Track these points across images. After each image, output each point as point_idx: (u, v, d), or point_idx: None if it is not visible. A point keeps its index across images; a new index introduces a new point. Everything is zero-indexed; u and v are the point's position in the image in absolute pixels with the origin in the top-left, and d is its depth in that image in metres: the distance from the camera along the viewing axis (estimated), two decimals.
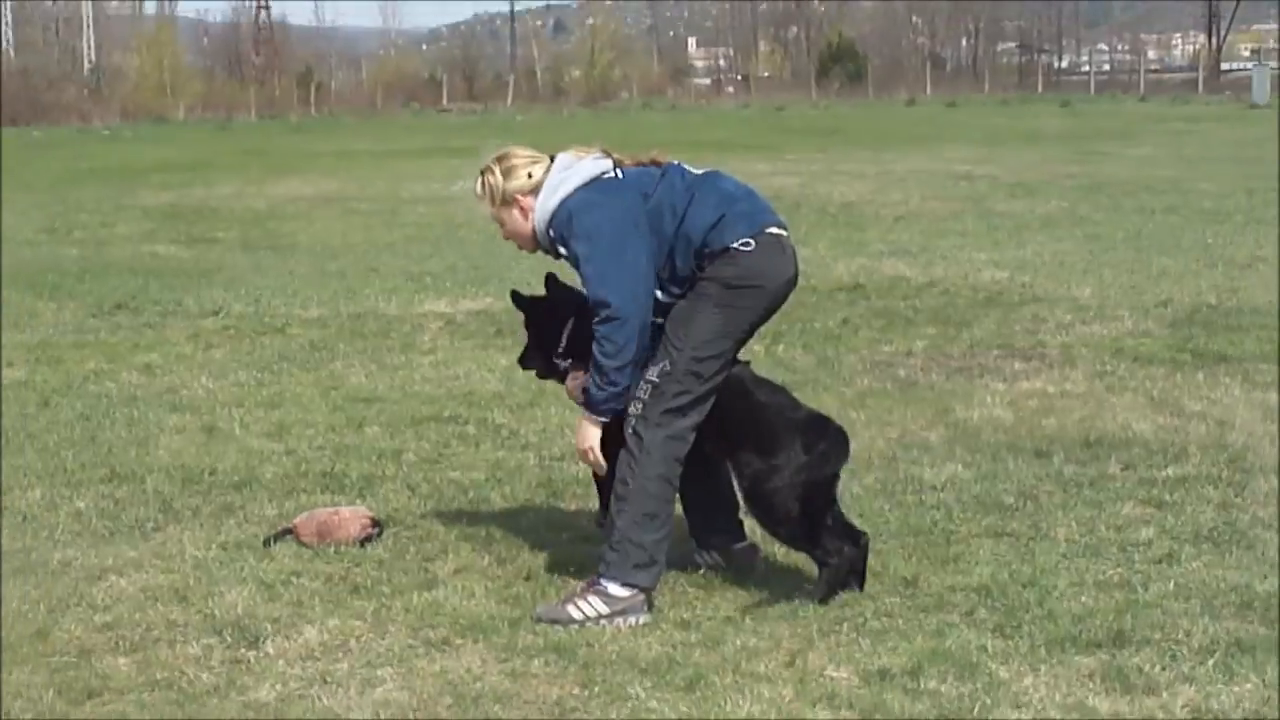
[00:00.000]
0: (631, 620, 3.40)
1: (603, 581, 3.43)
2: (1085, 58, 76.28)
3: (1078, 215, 12.65)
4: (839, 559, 3.48)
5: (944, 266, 9.53)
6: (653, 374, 3.39)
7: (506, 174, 3.50)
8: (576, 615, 3.41)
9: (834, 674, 3.05)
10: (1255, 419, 5.27)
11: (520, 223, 3.54)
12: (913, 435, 5.20)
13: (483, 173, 3.56)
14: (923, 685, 2.96)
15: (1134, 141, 23.53)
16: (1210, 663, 3.02)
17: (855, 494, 4.27)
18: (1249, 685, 2.92)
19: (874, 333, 7.25)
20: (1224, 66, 62.50)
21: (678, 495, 3.57)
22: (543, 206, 3.47)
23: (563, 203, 3.43)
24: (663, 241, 3.41)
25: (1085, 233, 11.38)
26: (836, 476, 3.56)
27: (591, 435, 3.49)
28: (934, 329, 7.31)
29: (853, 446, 3.72)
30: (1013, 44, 75.72)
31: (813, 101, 49.06)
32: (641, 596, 3.44)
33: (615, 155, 3.56)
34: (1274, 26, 79.92)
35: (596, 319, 3.35)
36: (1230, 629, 3.22)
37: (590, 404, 3.45)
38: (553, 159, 3.54)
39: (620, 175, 3.50)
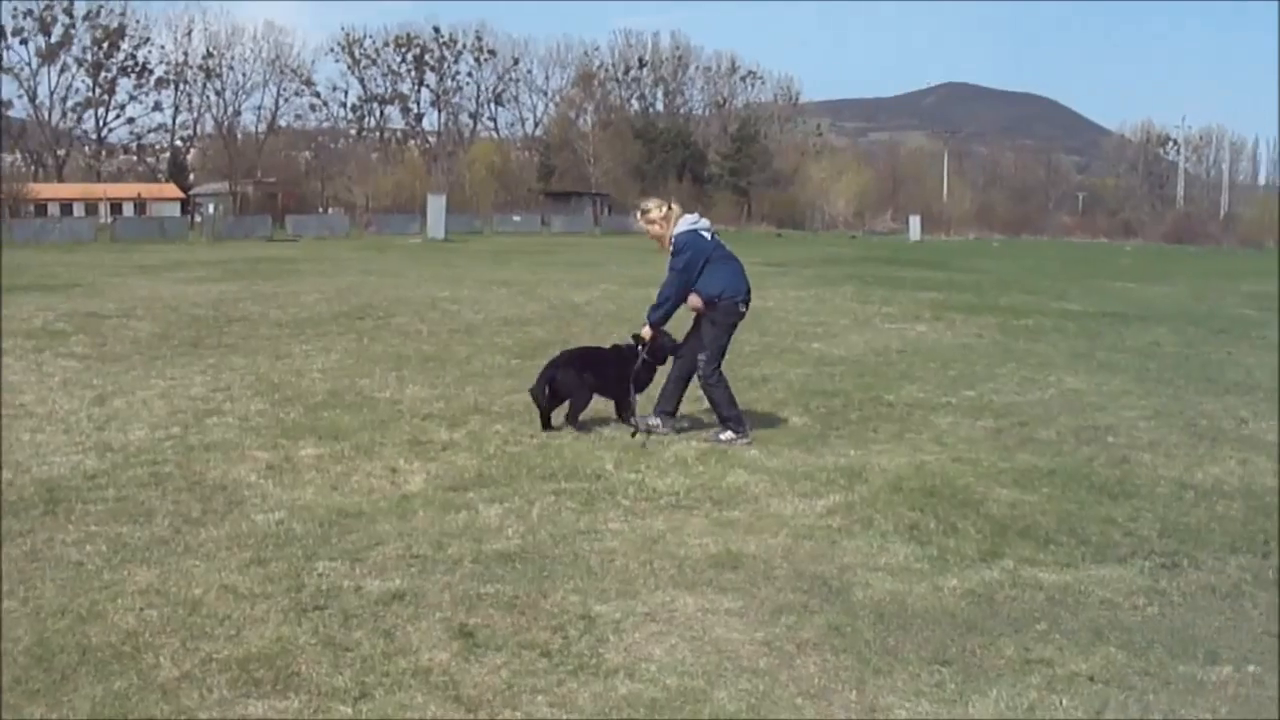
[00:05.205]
0: (740, 443, 7.40)
1: (728, 432, 7.49)
2: None
3: None
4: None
5: None
6: (702, 357, 7.55)
7: (668, 212, 7.66)
8: (725, 438, 7.43)
9: None
10: None
11: (663, 231, 7.61)
12: None
13: (661, 206, 7.61)
14: None
15: None
16: None
17: None
18: None
19: None
20: None
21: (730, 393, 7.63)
22: (675, 229, 7.56)
23: (681, 233, 7.55)
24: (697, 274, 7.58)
25: None
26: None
27: (650, 332, 7.76)
28: None
29: None
30: None
31: None
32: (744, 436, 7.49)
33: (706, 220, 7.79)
34: None
35: (660, 296, 7.64)
36: None
37: (650, 321, 7.71)
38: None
39: (707, 235, 7.61)
